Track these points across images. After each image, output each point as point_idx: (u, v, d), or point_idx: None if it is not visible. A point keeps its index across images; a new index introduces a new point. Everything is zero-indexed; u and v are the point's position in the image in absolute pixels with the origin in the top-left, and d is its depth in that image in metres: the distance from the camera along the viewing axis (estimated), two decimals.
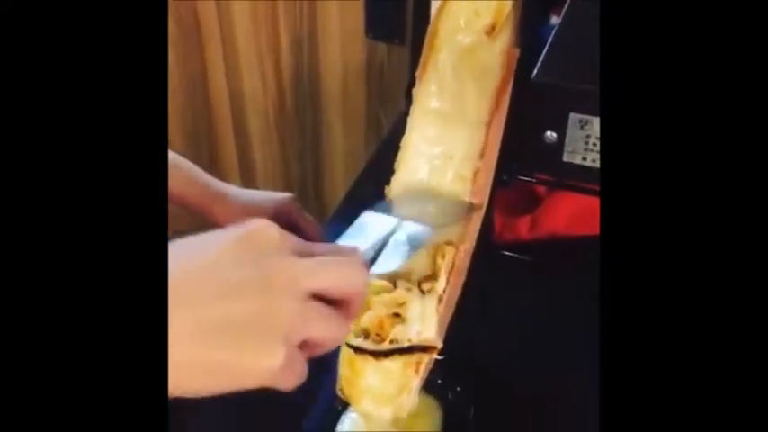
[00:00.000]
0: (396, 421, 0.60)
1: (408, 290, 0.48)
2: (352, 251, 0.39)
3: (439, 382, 0.61)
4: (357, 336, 0.47)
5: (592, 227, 0.76)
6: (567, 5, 0.49)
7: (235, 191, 0.76)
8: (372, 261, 0.40)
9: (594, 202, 0.74)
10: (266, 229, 0.36)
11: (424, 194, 0.50)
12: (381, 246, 0.41)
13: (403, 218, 0.44)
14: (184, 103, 1.42)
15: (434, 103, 0.52)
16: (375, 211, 0.45)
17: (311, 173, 1.45)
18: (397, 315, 0.47)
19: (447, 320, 0.56)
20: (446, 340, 0.56)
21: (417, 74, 0.52)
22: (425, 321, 0.47)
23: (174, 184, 0.74)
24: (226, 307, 0.33)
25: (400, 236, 0.43)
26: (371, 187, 0.54)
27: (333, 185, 1.45)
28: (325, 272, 0.36)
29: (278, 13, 1.26)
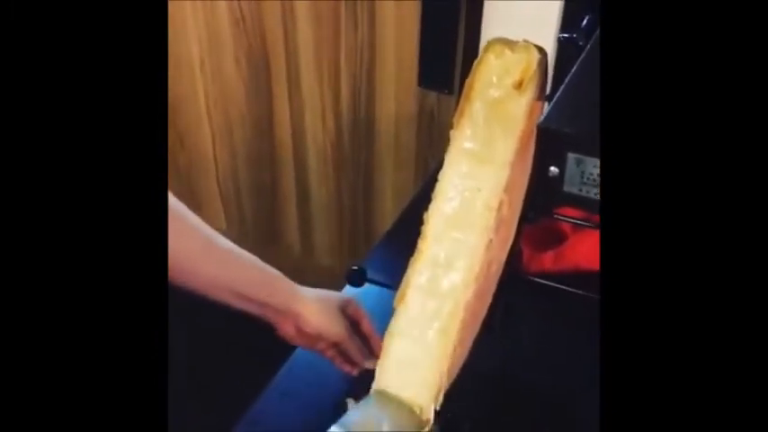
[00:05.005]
0: None
1: None
2: None
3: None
4: None
5: None
6: (576, 65, 0.58)
7: (303, 289, 0.77)
8: None
9: None
10: None
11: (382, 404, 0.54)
12: None
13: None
14: (252, 135, 1.52)
15: (468, 144, 0.61)
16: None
17: (362, 206, 1.52)
18: None
19: (473, 337, 0.64)
20: (471, 354, 0.64)
21: (455, 119, 0.62)
22: None
23: (263, 292, 0.74)
24: None
25: None
26: (416, 217, 0.61)
27: (382, 219, 1.51)
28: None
29: (340, 61, 1.35)
